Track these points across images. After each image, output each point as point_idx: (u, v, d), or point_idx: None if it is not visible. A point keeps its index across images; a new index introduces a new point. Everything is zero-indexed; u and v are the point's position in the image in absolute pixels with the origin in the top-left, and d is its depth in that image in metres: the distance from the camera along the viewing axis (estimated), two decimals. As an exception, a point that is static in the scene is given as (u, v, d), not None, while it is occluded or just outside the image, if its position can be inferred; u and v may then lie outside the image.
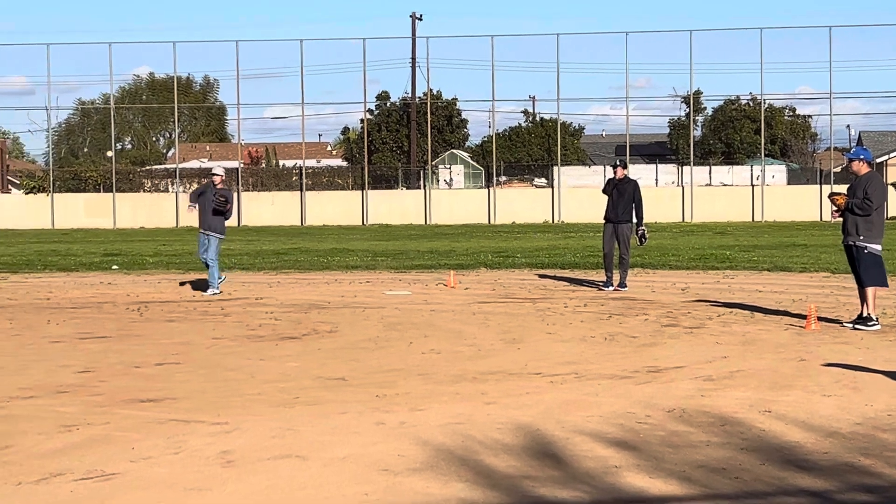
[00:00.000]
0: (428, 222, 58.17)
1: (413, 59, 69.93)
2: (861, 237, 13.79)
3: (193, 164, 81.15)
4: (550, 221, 58.25)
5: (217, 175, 19.87)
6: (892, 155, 61.88)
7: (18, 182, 71.69)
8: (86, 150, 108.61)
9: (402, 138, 75.30)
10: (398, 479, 6.84)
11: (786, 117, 79.71)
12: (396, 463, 7.20)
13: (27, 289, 20.81)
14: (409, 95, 72.16)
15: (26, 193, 61.50)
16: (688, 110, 71.34)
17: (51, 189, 59.85)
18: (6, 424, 8.55)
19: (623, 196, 19.27)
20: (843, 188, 14.45)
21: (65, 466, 7.20)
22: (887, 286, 14.18)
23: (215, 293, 19.17)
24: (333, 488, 6.65)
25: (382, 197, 61.02)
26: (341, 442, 7.83)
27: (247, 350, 12.66)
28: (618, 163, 20.04)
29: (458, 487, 6.64)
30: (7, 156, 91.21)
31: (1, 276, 23.94)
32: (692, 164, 61.88)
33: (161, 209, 59.71)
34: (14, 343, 13.48)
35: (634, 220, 19.47)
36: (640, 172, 63.03)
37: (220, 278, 19.59)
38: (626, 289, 18.95)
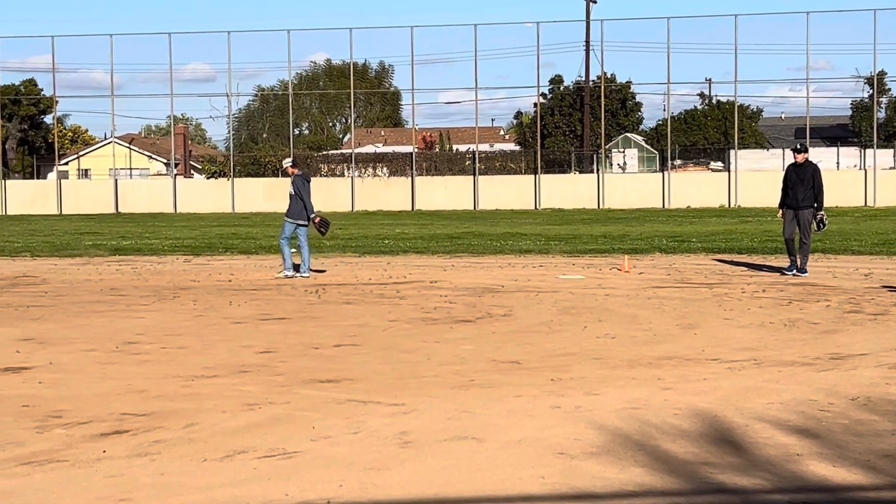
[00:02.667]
0: (601, 206, 57.81)
1: (587, 42, 69.47)
2: None
3: (369, 148, 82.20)
4: (727, 206, 57.29)
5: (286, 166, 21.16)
6: None
7: (200, 167, 73.78)
8: (265, 135, 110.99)
9: (575, 122, 74.90)
10: (574, 462, 6.82)
11: (975, 97, 76.71)
12: (572, 447, 7.18)
13: (209, 271, 21.39)
14: (583, 79, 71.70)
15: (208, 178, 63.28)
16: (871, 91, 69.29)
17: (231, 174, 61.38)
18: (191, 403, 8.80)
19: (803, 181, 18.78)
20: None
21: (248, 444, 7.38)
22: None
23: (291, 275, 19.66)
24: (510, 471, 6.67)
25: (555, 181, 60.85)
26: (517, 425, 7.84)
27: (422, 332, 12.78)
28: (798, 147, 19.52)
29: (635, 472, 6.59)
30: (190, 141, 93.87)
31: (184, 259, 24.66)
32: (875, 146, 60.12)
33: (337, 193, 60.63)
34: (197, 323, 13.86)
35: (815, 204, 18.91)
36: (820, 155, 61.50)
37: (292, 266, 19.97)
38: (806, 274, 18.52)
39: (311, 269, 19.97)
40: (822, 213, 18.90)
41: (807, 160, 19.06)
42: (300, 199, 19.99)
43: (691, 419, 7.92)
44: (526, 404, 8.55)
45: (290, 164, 20.88)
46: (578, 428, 7.70)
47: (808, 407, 8.28)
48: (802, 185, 18.83)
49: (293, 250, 20.20)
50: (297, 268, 19.88)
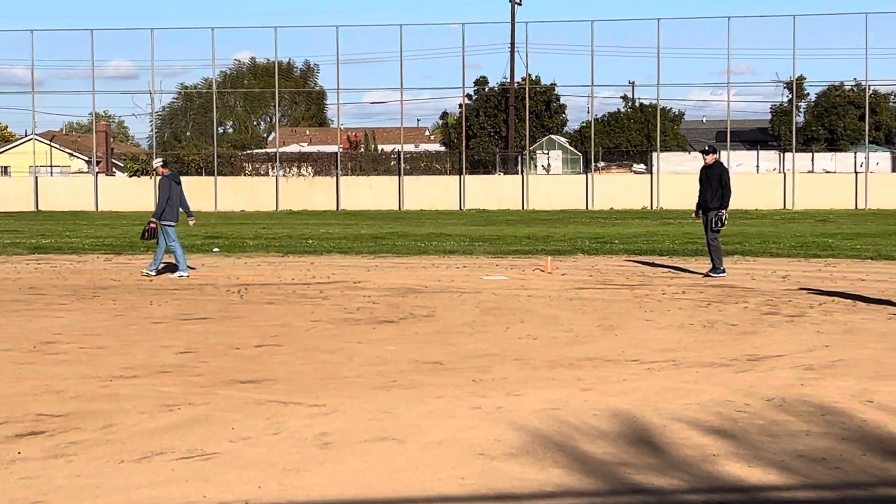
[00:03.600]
0: (525, 208, 58.08)
1: (512, 43, 69.74)
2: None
3: (293, 148, 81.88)
4: (649, 208, 57.81)
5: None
6: None
7: (122, 165, 72.95)
8: (188, 133, 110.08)
9: (500, 123, 75.15)
10: (494, 463, 6.85)
11: (891, 103, 78.17)
12: (493, 447, 7.21)
13: (130, 270, 21.18)
14: (508, 80, 71.99)
15: (130, 176, 62.61)
16: (790, 96, 70.26)
17: (154, 172, 60.80)
18: (109, 403, 8.72)
19: (711, 182, 19.05)
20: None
21: (166, 445, 7.33)
22: None
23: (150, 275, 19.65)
24: (430, 472, 6.68)
25: (480, 182, 61.03)
26: (437, 426, 7.86)
27: (344, 333, 12.76)
28: (707, 148, 19.79)
29: (554, 473, 6.63)
30: (112, 139, 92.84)
31: (105, 258, 24.40)
32: (794, 150, 60.98)
33: (261, 193, 60.37)
34: (117, 323, 13.73)
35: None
36: (741, 158, 62.34)
37: (161, 265, 20.04)
38: (721, 274, 18.74)
39: (188, 267, 19.90)
40: (723, 212, 19.08)
41: (716, 161, 19.29)
42: (165, 200, 19.90)
43: (610, 420, 7.99)
44: (447, 405, 8.57)
45: (161, 164, 20.83)
46: (499, 429, 7.73)
47: (725, 408, 8.39)
48: (711, 186, 19.08)
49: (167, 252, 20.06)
50: (172, 268, 19.86)
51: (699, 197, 19.34)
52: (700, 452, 7.07)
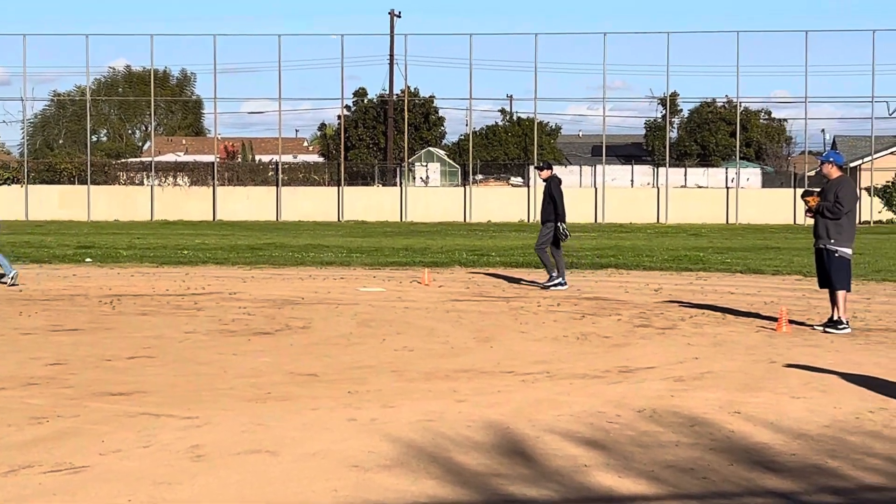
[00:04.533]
0: (403, 220, 58.17)
1: (391, 56, 69.86)
2: (832, 241, 13.87)
3: (169, 157, 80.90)
4: (526, 221, 58.29)
5: None
6: (865, 160, 62.15)
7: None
8: (61, 141, 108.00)
9: (378, 135, 75.19)
10: (368, 475, 6.85)
11: (761, 120, 79.97)
12: (367, 459, 7.21)
13: (-1, 280, 20.71)
14: (387, 92, 72.09)
15: (0, 184, 61.19)
16: (664, 112, 71.50)
17: (25, 180, 59.56)
18: (-24, 416, 8.52)
19: (545, 196, 19.45)
20: (816, 189, 14.51)
21: (34, 459, 7.18)
22: (850, 290, 14.24)
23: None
24: (303, 484, 6.66)
25: (358, 194, 60.98)
26: (312, 438, 7.83)
27: (219, 345, 12.64)
28: (540, 165, 20.14)
29: (427, 484, 6.66)
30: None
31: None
32: (668, 165, 62.03)
33: (136, 202, 59.55)
34: (-15, 334, 13.41)
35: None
36: (615, 173, 63.22)
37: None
38: (559, 287, 18.97)
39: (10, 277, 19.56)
40: (561, 224, 19.38)
41: (551, 176, 19.55)
42: None
43: (484, 431, 8.04)
44: (322, 417, 8.55)
45: None
46: (373, 440, 7.73)
47: (597, 419, 8.50)
48: (544, 200, 19.46)
49: None
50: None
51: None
52: (572, 463, 7.16)
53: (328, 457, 7.28)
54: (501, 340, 13.08)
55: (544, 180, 19.60)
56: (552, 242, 19.39)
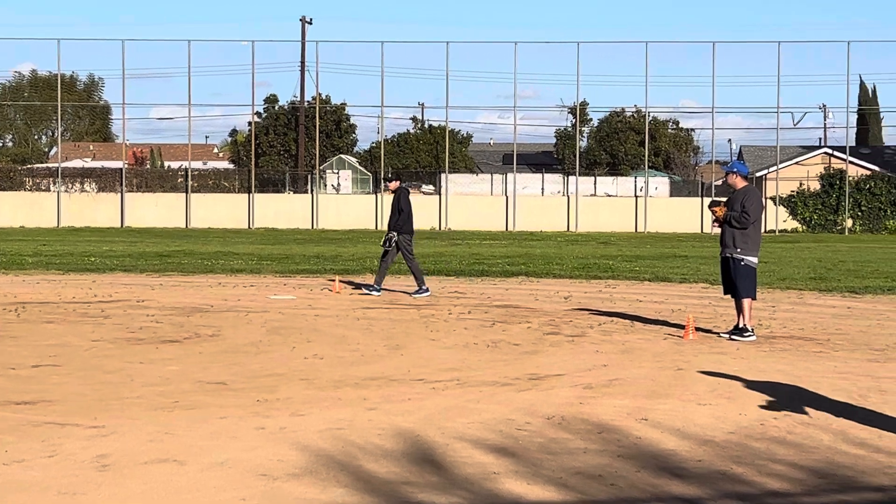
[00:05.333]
0: (315, 227, 57.98)
1: (302, 62, 69.63)
2: (738, 249, 14.07)
3: (76, 163, 79.86)
4: (437, 228, 58.39)
5: None
6: (771, 169, 63.21)
7: None
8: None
9: (289, 142, 74.88)
10: (276, 484, 6.81)
11: (669, 130, 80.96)
12: (275, 468, 7.17)
13: None
14: (298, 99, 71.86)
15: None
16: (574, 121, 72.10)
17: None
18: None
19: (393, 207, 19.60)
20: (723, 199, 14.73)
21: (-66, 469, 7.04)
22: (755, 298, 14.46)
23: None
24: (211, 493, 6.60)
25: (269, 201, 60.66)
26: (220, 446, 7.77)
27: (126, 353, 12.49)
28: (389, 177, 20.28)
29: (336, 493, 6.64)
30: None
31: None
32: (578, 174, 62.53)
33: (42, 208, 58.69)
34: None
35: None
36: (526, 181, 63.59)
37: None
38: (420, 295, 19.10)
39: None
40: (391, 234, 19.53)
41: (399, 188, 19.67)
42: None
43: (394, 439, 8.04)
44: (230, 426, 8.48)
45: None
46: (282, 449, 7.69)
47: (507, 426, 8.53)
48: (393, 211, 19.66)
49: None
50: None
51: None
52: (481, 471, 7.18)
53: (236, 466, 7.23)
54: (412, 348, 13.09)
55: (393, 192, 19.75)
56: (386, 251, 19.53)
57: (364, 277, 23.74)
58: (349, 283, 21.89)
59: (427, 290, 19.42)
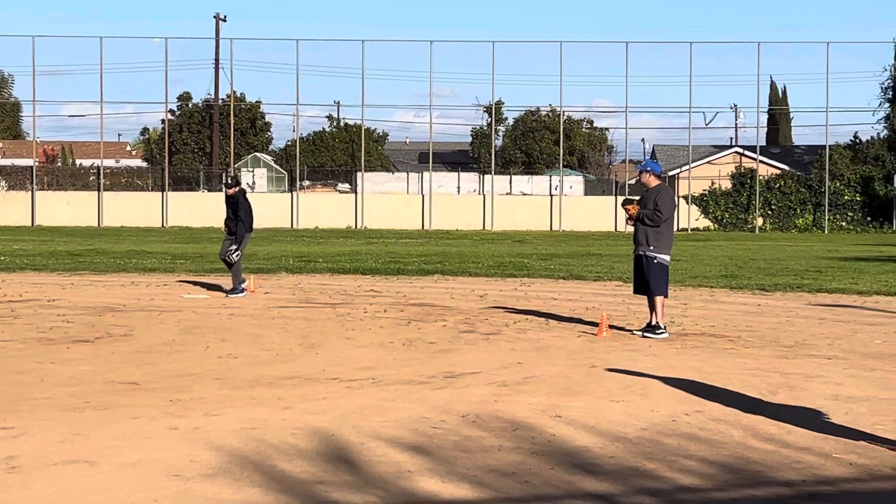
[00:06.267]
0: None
1: (216, 60, 69.14)
2: (651, 247, 14.22)
3: (-15, 160, 78.45)
4: (353, 227, 58.29)
5: None
6: (684, 168, 63.95)
7: None
8: None
9: (204, 140, 74.31)
10: (189, 484, 6.76)
11: (584, 129, 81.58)
12: (188, 468, 7.12)
13: None
14: (212, 97, 71.31)
15: None
16: (490, 120, 72.33)
17: None
18: None
19: (234, 210, 19.66)
20: (636, 198, 14.89)
21: None
22: (667, 296, 14.63)
23: None
24: (122, 494, 6.53)
25: (183, 199, 60.13)
26: (132, 447, 7.69)
27: (37, 353, 12.32)
28: (229, 182, 20.19)
29: (250, 493, 6.60)
30: None
31: None
32: (493, 173, 62.77)
33: (-51, 207, 57.63)
34: None
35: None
36: (442, 180, 63.66)
37: None
38: (234, 296, 19.02)
39: None
40: (232, 238, 19.63)
41: (239, 191, 19.61)
42: None
43: (309, 438, 8.01)
44: (143, 426, 8.40)
45: None
46: (195, 449, 7.63)
47: (422, 424, 8.55)
48: (231, 213, 19.77)
49: None
50: None
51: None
52: (396, 469, 7.18)
53: (148, 466, 7.16)
54: (327, 347, 13.06)
55: (232, 196, 19.54)
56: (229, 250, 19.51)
57: (280, 276, 23.64)
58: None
59: (244, 292, 19.24)
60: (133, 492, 6.58)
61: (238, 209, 19.53)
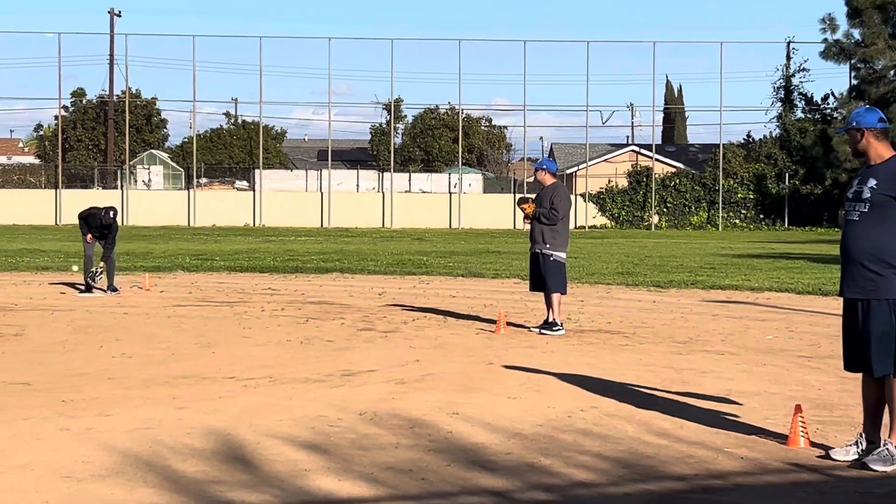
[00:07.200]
0: (125, 223, 56.76)
1: (111, 56, 68.22)
2: (547, 245, 14.33)
3: None
4: (252, 225, 57.90)
5: None
6: (581, 166, 64.55)
7: None
8: None
9: (98, 137, 73.26)
10: (81, 485, 6.67)
11: (482, 127, 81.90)
12: (80, 469, 7.01)
13: None
14: (107, 93, 70.34)
15: None
16: (389, 118, 72.33)
17: None
18: None
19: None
20: (531, 196, 14.99)
21: None
22: (566, 293, 14.77)
23: None
24: (12, 496, 6.42)
25: (77, 197, 59.13)
26: (23, 448, 7.56)
27: (-76, 354, 12.05)
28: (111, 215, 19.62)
29: (144, 493, 6.53)
30: None
31: None
32: (392, 170, 62.77)
33: None
34: None
35: None
36: (341, 177, 63.52)
37: None
38: (85, 295, 18.90)
39: None
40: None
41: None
42: None
43: (204, 438, 7.94)
44: (34, 427, 8.26)
45: None
46: (88, 450, 7.53)
47: (319, 423, 8.52)
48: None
49: None
50: None
51: None
52: (292, 468, 7.15)
53: (39, 468, 7.04)
54: (224, 346, 12.96)
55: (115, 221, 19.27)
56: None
57: (176, 275, 23.41)
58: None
59: (91, 291, 19.05)
60: (24, 494, 6.47)
61: (114, 232, 19.33)
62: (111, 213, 19.21)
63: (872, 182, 7.35)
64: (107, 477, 6.86)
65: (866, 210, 7.34)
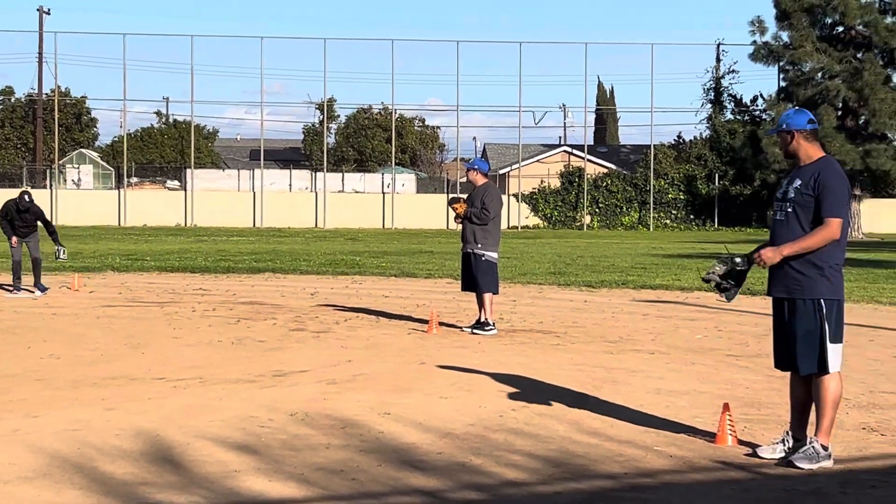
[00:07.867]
0: (55, 223, 56.17)
1: (40, 54, 67.41)
2: (479, 245, 14.36)
3: None
4: (183, 225, 57.47)
5: None
6: (514, 167, 64.76)
7: None
8: None
9: (27, 135, 72.39)
10: (7, 487, 6.59)
11: (416, 128, 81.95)
12: (7, 471, 6.93)
13: None
14: (36, 92, 69.50)
15: None
16: (322, 117, 72.11)
17: None
18: None
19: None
20: (463, 196, 15.02)
21: None
22: (498, 293, 14.81)
23: None
24: (-64, 500, 6.34)
25: (4, 196, 58.33)
26: (-52, 451, 7.46)
27: None
28: (26, 199, 19.33)
29: (72, 495, 6.46)
30: None
31: None
32: (326, 170, 62.60)
33: None
34: None
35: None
36: (274, 177, 63.27)
37: None
38: (15, 295, 18.73)
39: None
40: (58, 247, 19.52)
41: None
42: None
43: (133, 439, 7.88)
44: (-41, 430, 8.15)
45: None
46: (15, 452, 7.44)
47: (249, 423, 8.48)
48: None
49: None
50: None
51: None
52: (222, 469, 7.11)
53: (-35, 471, 6.95)
54: (154, 346, 12.86)
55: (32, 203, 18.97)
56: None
57: (105, 275, 23.19)
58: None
59: (19, 291, 18.89)
60: (-53, 497, 6.39)
61: (34, 217, 19.14)
62: (25, 196, 18.89)
63: (798, 182, 7.46)
64: (34, 479, 6.79)
65: (791, 210, 7.44)
